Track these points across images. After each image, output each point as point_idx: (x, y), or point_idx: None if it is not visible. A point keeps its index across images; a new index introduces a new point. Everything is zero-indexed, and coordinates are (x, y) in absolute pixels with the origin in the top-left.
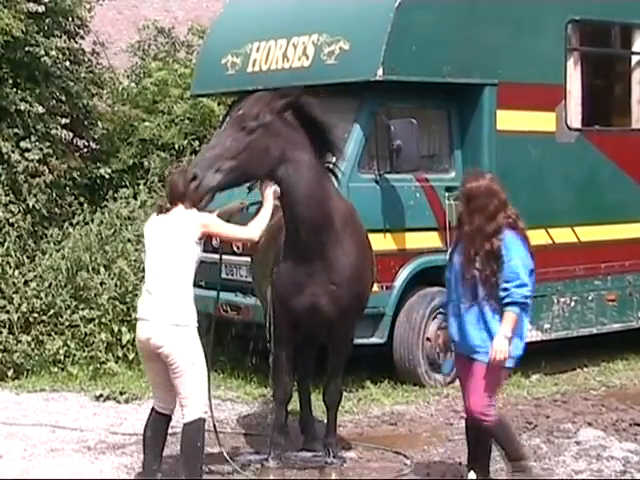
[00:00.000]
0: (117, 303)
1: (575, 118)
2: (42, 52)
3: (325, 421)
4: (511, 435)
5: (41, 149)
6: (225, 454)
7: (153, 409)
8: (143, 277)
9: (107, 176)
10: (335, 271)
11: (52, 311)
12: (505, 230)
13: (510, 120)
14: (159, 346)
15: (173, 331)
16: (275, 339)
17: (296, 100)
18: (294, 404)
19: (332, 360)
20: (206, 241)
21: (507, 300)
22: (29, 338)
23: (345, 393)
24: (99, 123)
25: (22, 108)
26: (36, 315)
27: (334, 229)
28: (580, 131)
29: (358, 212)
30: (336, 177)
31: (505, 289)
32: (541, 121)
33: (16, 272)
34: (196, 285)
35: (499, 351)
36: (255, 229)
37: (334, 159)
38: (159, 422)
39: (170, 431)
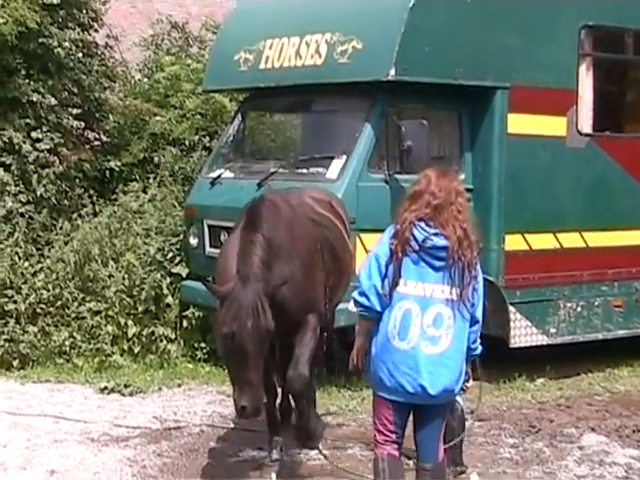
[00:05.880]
0: (124, 296)
1: (586, 123)
2: (55, 44)
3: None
4: None
5: (52, 139)
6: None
7: None
8: (151, 271)
9: (117, 169)
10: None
11: (59, 303)
12: None
13: (521, 124)
14: None
15: None
16: None
17: None
18: None
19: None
20: (214, 236)
21: None
22: (36, 329)
23: (349, 392)
24: (110, 116)
25: (34, 99)
26: (43, 306)
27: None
28: (591, 136)
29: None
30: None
31: None
32: (552, 125)
33: (25, 263)
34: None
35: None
36: None
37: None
38: None
39: (174, 425)
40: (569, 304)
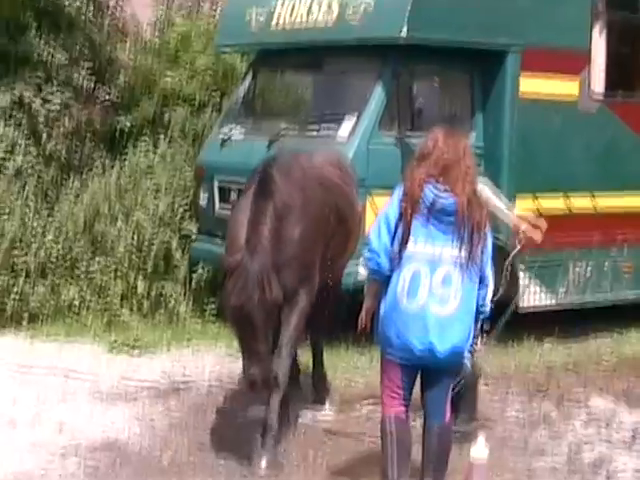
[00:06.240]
0: (133, 254)
1: (598, 85)
2: (66, 1)
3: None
4: None
5: (62, 96)
6: None
7: None
8: (160, 228)
9: (127, 127)
10: None
11: (69, 259)
12: None
13: (533, 85)
14: None
15: None
16: None
17: None
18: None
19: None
20: (224, 195)
21: None
22: (45, 286)
23: (358, 350)
24: (121, 74)
25: (45, 56)
26: (53, 263)
27: None
28: (603, 98)
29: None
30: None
31: None
32: (564, 87)
33: (35, 221)
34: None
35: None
36: None
37: None
38: None
39: (182, 383)
40: (578, 267)
